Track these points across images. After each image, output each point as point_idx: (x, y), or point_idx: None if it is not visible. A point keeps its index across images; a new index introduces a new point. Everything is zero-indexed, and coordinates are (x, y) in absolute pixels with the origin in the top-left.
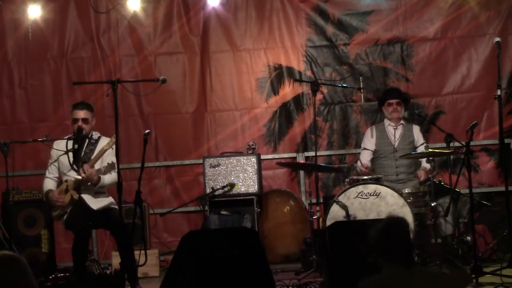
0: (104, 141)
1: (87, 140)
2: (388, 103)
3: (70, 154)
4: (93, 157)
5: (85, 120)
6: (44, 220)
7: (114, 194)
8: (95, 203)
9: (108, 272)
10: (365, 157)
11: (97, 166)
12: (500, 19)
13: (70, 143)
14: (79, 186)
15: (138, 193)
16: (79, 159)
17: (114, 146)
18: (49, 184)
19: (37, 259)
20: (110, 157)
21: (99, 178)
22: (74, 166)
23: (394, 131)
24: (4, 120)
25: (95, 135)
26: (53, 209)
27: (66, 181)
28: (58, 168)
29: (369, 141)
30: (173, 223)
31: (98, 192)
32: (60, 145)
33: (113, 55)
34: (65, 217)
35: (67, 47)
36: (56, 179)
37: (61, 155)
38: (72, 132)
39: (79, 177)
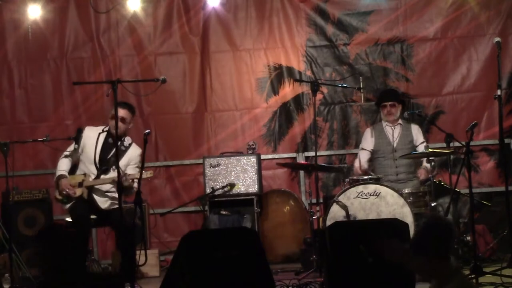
0: (133, 150)
1: (118, 143)
2: (383, 105)
3: (98, 149)
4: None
5: (122, 120)
6: (44, 220)
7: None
8: (104, 202)
9: (108, 272)
10: (363, 157)
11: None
12: (500, 19)
13: (102, 136)
14: (93, 186)
15: (138, 193)
16: (105, 160)
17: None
18: (64, 165)
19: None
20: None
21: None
22: (97, 164)
23: (392, 131)
24: (4, 120)
25: (127, 141)
26: (58, 193)
27: (85, 175)
28: (79, 155)
29: (368, 141)
30: (173, 223)
31: (108, 191)
32: (92, 133)
33: (113, 55)
34: (68, 205)
35: (67, 47)
36: (72, 161)
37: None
38: (108, 127)
39: (127, 183)
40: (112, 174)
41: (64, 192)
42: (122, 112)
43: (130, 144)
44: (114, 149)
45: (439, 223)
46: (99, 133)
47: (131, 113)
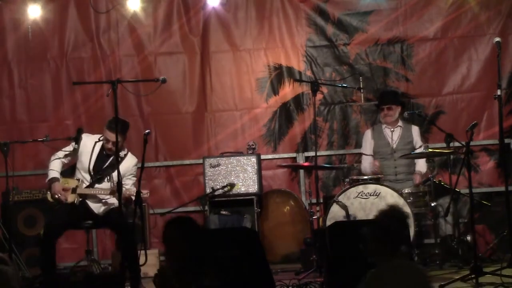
0: (129, 160)
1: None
2: (381, 108)
3: (93, 158)
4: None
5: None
6: (44, 220)
7: None
8: (98, 208)
9: (108, 272)
10: (367, 161)
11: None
12: (500, 19)
13: (98, 145)
14: (87, 194)
15: (138, 193)
16: (100, 169)
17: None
18: (56, 166)
19: (37, 259)
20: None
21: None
22: (91, 172)
23: (391, 134)
24: (4, 120)
25: (122, 152)
26: (50, 196)
27: (79, 180)
28: (74, 159)
29: (367, 146)
30: None
31: (103, 199)
32: (88, 141)
33: (113, 55)
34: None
35: (67, 47)
36: (64, 163)
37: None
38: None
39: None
40: (106, 184)
41: (56, 197)
42: (113, 137)
43: (125, 155)
44: (110, 160)
45: (394, 215)
46: (96, 142)
47: (122, 134)
